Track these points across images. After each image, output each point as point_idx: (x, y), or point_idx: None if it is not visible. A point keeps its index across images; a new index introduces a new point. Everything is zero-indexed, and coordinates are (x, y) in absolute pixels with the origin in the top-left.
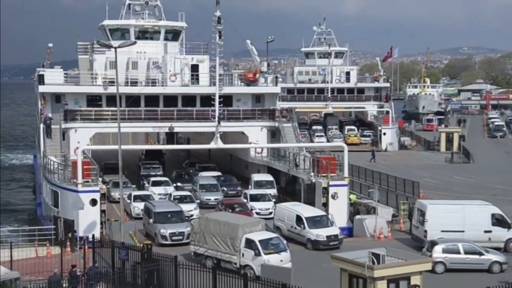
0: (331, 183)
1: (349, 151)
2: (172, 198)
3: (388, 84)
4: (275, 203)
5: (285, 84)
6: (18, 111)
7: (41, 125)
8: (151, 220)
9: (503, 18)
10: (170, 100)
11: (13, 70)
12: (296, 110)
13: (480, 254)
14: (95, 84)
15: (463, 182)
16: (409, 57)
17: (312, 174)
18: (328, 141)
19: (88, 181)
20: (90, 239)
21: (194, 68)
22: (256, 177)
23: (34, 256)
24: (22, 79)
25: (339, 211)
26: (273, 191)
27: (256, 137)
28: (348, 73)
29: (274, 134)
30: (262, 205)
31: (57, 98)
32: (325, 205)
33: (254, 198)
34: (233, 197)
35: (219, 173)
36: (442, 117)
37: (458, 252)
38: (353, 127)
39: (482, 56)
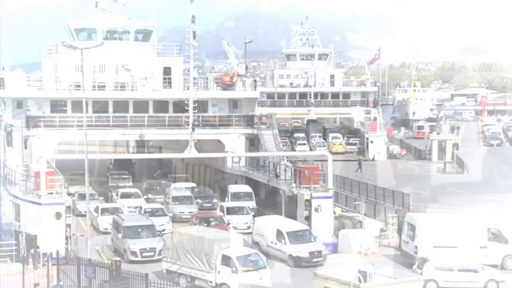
0: (314, 195)
1: (333, 160)
2: (142, 211)
3: (375, 88)
4: (253, 216)
5: (264, 88)
6: None
7: (1, 133)
8: (120, 235)
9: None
10: (141, 105)
11: None
12: (277, 116)
13: (475, 271)
14: (59, 89)
15: (457, 193)
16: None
17: (293, 185)
18: (311, 149)
19: (52, 193)
20: (54, 256)
21: (167, 71)
22: (233, 188)
23: None
24: None
25: (323, 225)
26: (251, 204)
27: (233, 145)
28: (332, 77)
29: (253, 142)
30: (239, 219)
31: (19, 103)
32: (308, 219)
33: (231, 211)
34: (209, 210)
35: (193, 184)
36: (434, 123)
37: (452, 270)
38: (338, 134)
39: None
